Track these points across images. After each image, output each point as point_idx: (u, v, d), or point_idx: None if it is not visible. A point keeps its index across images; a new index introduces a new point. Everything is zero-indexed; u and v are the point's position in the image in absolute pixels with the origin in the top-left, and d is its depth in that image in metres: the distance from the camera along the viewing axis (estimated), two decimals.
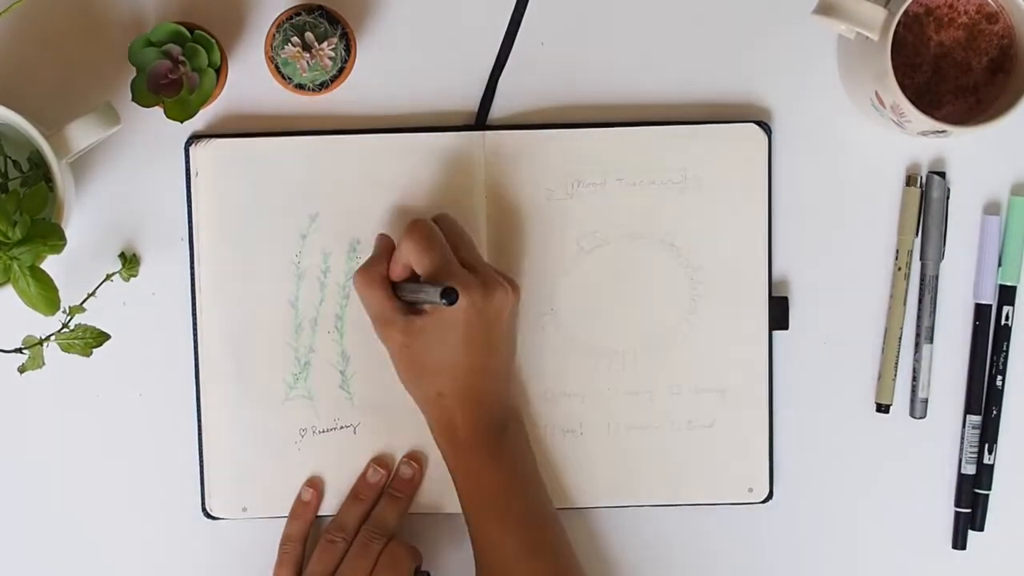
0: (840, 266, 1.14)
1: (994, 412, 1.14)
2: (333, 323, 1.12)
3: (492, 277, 1.06)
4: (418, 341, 1.06)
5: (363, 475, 1.13)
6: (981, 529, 1.15)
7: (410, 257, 1.06)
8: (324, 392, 1.13)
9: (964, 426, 1.14)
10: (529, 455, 1.11)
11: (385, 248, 1.09)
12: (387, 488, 1.13)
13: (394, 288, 1.08)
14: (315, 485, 1.13)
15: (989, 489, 1.14)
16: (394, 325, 1.07)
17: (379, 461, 1.13)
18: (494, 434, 1.08)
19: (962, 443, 1.14)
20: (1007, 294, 1.14)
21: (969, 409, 1.14)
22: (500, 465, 1.08)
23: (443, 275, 1.05)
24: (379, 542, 1.10)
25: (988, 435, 1.14)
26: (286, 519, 1.13)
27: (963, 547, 1.15)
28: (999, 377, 1.14)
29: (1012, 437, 1.15)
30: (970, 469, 1.14)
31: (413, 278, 1.07)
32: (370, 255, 1.10)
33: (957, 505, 1.15)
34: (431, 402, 1.08)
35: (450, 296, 1.01)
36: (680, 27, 1.12)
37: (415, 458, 1.13)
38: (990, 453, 1.14)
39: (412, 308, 1.07)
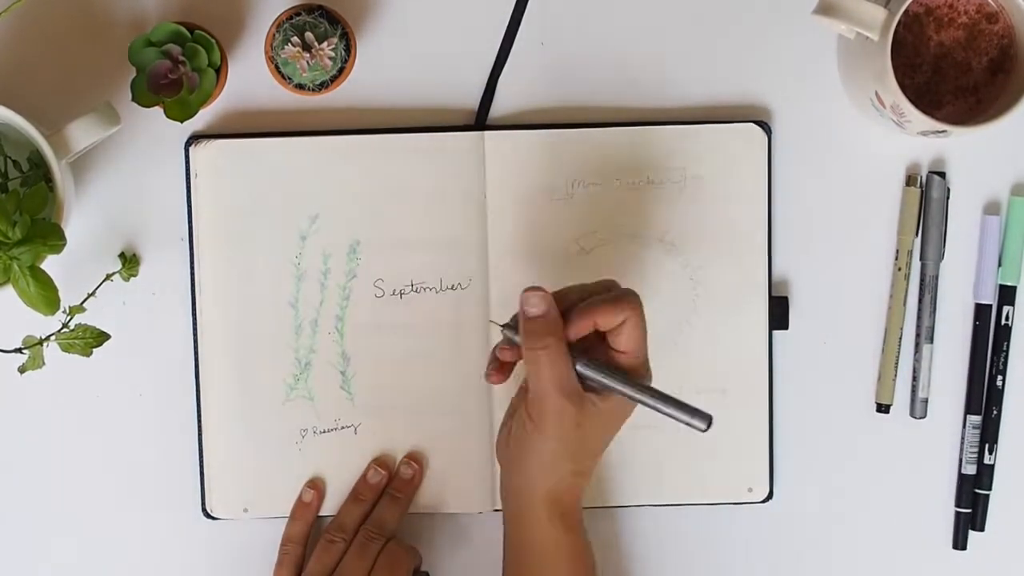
0: (840, 266, 1.14)
1: (994, 412, 1.14)
2: (333, 324, 1.12)
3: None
4: (590, 422, 0.99)
5: (364, 476, 1.13)
6: (982, 529, 1.15)
7: (627, 335, 0.98)
8: (325, 393, 1.13)
9: (964, 426, 1.14)
10: None
11: (555, 311, 0.99)
12: (387, 488, 1.13)
13: (576, 361, 1.00)
14: (316, 486, 1.13)
15: (989, 489, 1.14)
16: (573, 400, 0.98)
17: (380, 462, 1.13)
18: (581, 514, 1.04)
19: (962, 443, 1.14)
20: (1007, 294, 1.14)
21: (969, 409, 1.14)
22: (586, 545, 1.04)
23: (644, 367, 1.00)
24: (378, 542, 1.10)
25: (988, 435, 1.14)
26: (287, 520, 1.13)
27: (964, 547, 1.15)
28: (999, 377, 1.14)
29: (1012, 437, 1.15)
30: (970, 469, 1.14)
31: (581, 345, 1.00)
32: (540, 315, 0.99)
33: (958, 505, 1.15)
34: (559, 477, 1.01)
35: (710, 424, 0.97)
36: (680, 27, 1.12)
37: (415, 458, 1.13)
38: (990, 453, 1.14)
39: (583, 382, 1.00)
